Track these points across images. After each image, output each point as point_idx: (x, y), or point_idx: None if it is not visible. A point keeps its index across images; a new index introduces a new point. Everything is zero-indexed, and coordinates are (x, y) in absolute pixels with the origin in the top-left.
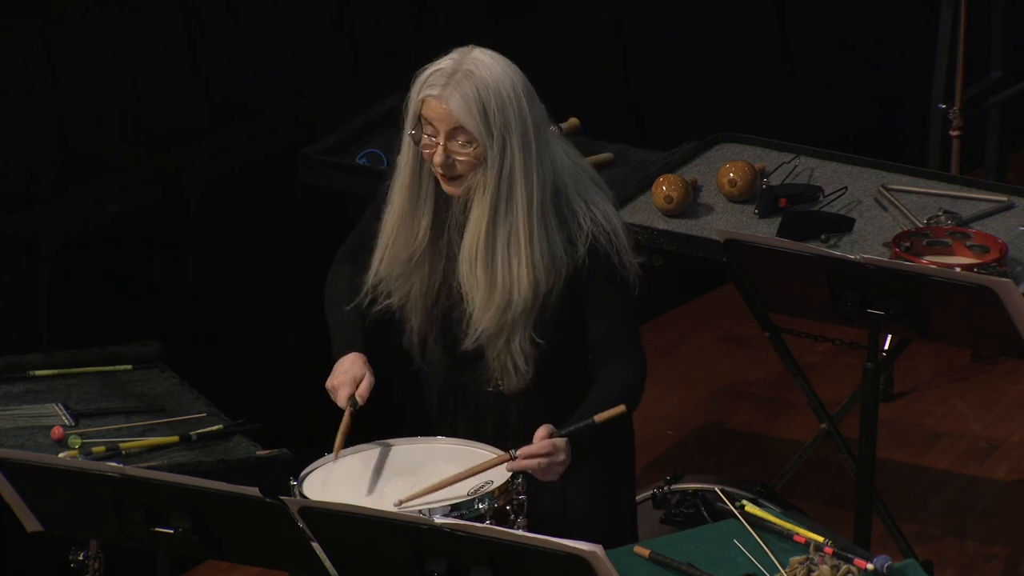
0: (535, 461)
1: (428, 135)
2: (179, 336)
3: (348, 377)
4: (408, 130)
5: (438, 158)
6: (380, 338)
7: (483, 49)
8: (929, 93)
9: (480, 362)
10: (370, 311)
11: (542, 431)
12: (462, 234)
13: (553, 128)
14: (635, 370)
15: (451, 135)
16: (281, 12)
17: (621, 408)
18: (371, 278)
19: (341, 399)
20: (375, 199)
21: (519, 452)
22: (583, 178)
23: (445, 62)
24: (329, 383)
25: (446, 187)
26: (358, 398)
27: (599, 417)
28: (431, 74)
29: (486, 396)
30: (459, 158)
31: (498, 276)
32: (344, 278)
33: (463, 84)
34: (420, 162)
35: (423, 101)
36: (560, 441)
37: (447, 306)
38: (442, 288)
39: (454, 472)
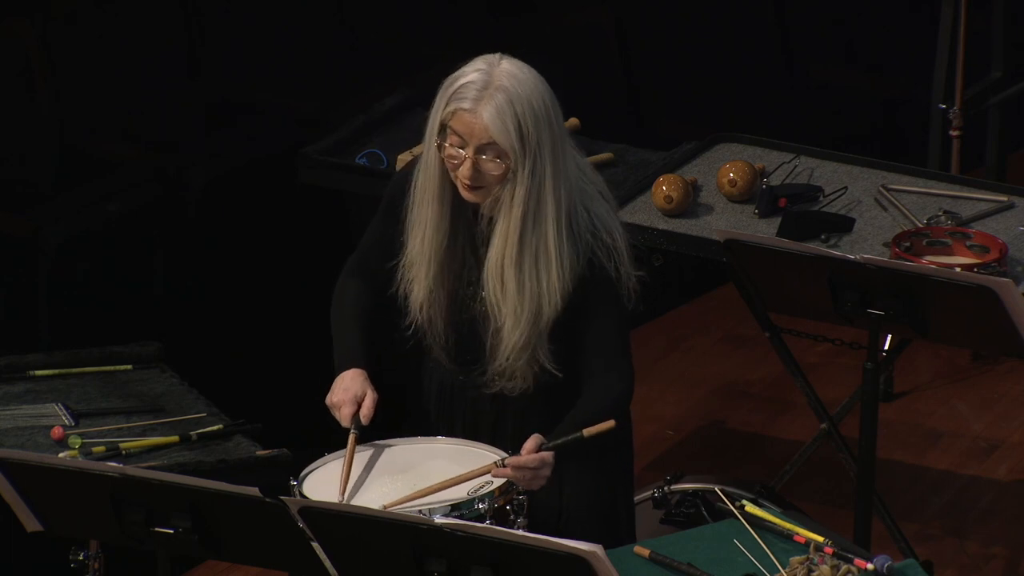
0: (521, 473)
1: (454, 146)
2: (179, 336)
3: (350, 396)
4: (433, 139)
5: (465, 170)
6: (387, 333)
7: (510, 59)
8: (929, 93)
9: (487, 366)
10: (405, 330)
11: (531, 443)
12: (485, 245)
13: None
14: (622, 383)
15: (481, 149)
16: (281, 12)
17: (610, 423)
18: (414, 300)
19: (345, 419)
20: (379, 206)
21: (508, 462)
22: (588, 188)
23: (474, 74)
24: (329, 400)
25: (467, 195)
26: (362, 418)
27: (588, 431)
28: (462, 86)
29: (484, 397)
30: (487, 171)
31: (527, 289)
32: (351, 290)
33: (497, 98)
34: (444, 171)
35: (453, 113)
36: (548, 456)
37: (470, 316)
38: (466, 297)
39: (445, 476)
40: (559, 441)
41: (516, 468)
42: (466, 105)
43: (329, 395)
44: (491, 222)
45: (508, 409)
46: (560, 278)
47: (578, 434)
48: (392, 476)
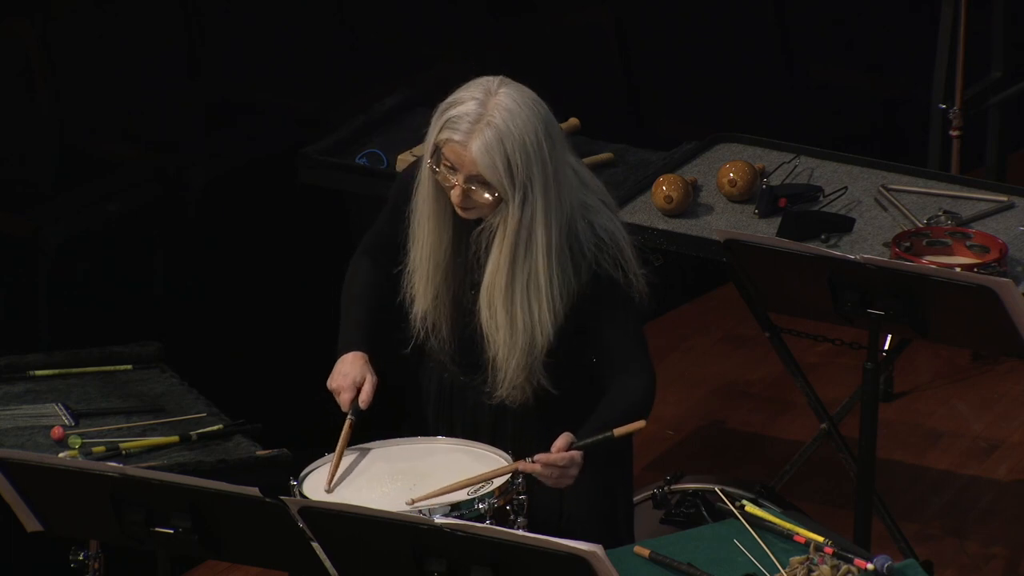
0: (549, 470)
1: (446, 169)
2: (179, 336)
3: (349, 381)
4: (427, 161)
5: (456, 196)
6: (389, 335)
7: (508, 89)
8: (929, 93)
9: (487, 375)
10: (408, 334)
11: (561, 441)
12: (481, 269)
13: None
14: (645, 382)
15: (470, 180)
16: (281, 12)
17: (641, 423)
18: (417, 311)
19: (344, 404)
20: (386, 204)
21: (537, 458)
22: (589, 198)
23: (469, 104)
24: (330, 384)
25: (460, 213)
26: (361, 403)
27: (619, 431)
28: (454, 117)
29: (484, 401)
30: (478, 199)
31: (519, 320)
32: (363, 270)
33: (486, 134)
34: (439, 189)
35: (445, 141)
36: (577, 455)
37: (473, 321)
38: (470, 304)
39: (465, 474)
40: (589, 440)
41: (545, 465)
42: (457, 137)
43: (329, 379)
44: (485, 246)
45: (508, 413)
46: (551, 310)
47: (608, 433)
48: (392, 476)
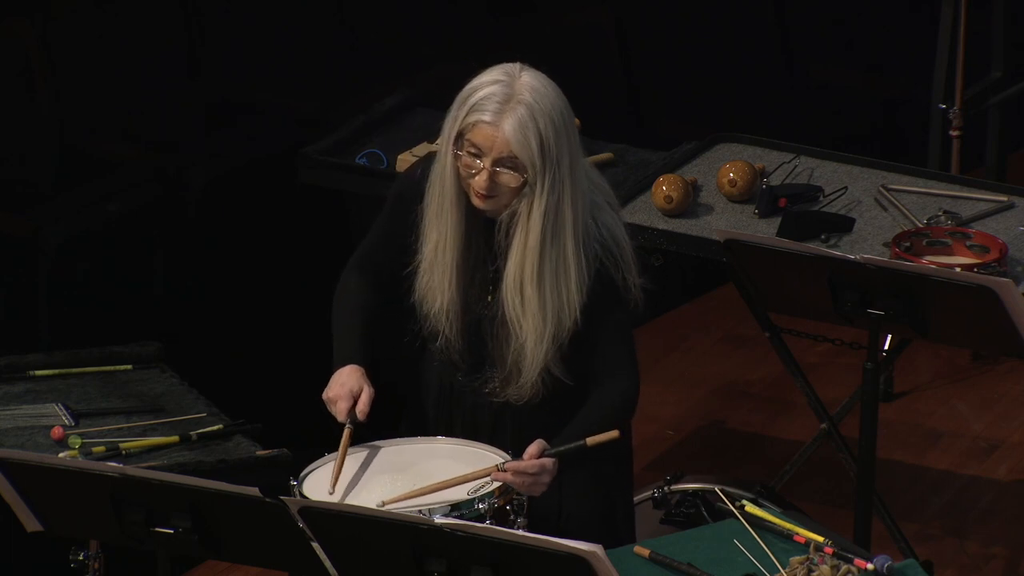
0: (520, 478)
1: (470, 154)
2: (179, 336)
3: (346, 391)
4: (449, 148)
5: (481, 181)
6: (387, 331)
7: (530, 71)
8: (929, 93)
9: (493, 373)
10: (413, 333)
11: (533, 448)
12: (503, 257)
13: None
14: (627, 390)
15: (499, 162)
16: (281, 12)
17: (614, 433)
18: (434, 306)
19: (341, 413)
20: (384, 203)
21: (508, 466)
22: (597, 198)
23: (494, 86)
24: (326, 395)
25: (479, 203)
26: (359, 414)
27: (591, 440)
28: (483, 98)
29: (485, 400)
30: (504, 183)
31: (548, 305)
32: (354, 287)
33: (519, 111)
34: (458, 180)
35: (473, 124)
36: (548, 462)
37: (478, 320)
38: (476, 303)
39: (445, 476)
40: (561, 448)
41: (516, 473)
42: (487, 118)
43: (326, 390)
44: (508, 233)
45: (507, 412)
46: (579, 291)
47: (581, 442)
48: (392, 476)
